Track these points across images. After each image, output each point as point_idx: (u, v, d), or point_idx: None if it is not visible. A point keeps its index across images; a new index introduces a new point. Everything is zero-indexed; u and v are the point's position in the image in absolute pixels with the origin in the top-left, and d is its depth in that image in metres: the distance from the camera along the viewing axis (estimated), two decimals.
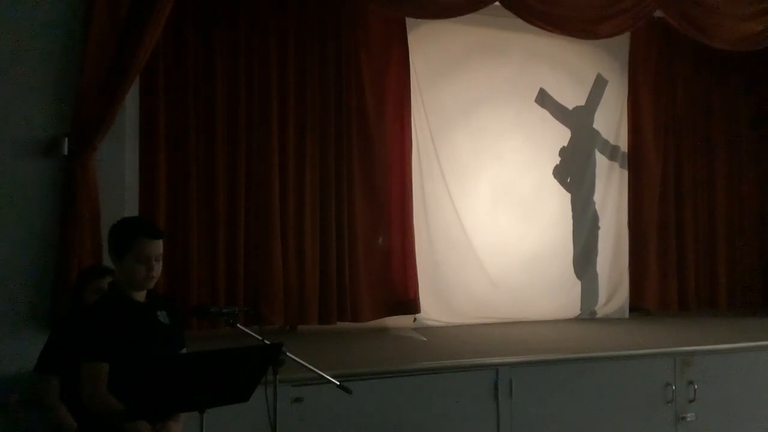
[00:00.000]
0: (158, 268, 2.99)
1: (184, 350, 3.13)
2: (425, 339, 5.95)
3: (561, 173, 7.30)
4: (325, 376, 3.54)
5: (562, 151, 7.30)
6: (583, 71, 7.39)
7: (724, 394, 5.27)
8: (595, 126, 7.44)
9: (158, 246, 3.00)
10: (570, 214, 7.32)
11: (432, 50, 6.79)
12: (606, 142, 7.46)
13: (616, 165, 7.47)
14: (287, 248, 6.11)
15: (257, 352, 3.10)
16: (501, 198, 7.02)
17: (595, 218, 7.38)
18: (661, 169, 7.59)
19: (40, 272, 4.28)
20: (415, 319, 6.57)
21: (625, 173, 7.49)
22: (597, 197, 7.40)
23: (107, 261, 4.50)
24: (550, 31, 6.13)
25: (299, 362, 3.42)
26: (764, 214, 8.05)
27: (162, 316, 3.05)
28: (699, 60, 7.71)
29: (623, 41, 7.35)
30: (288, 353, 3.31)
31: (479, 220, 6.91)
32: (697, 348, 5.37)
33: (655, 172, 7.54)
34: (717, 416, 5.24)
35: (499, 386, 4.72)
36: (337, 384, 3.54)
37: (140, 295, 3.01)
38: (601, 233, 7.38)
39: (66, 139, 4.36)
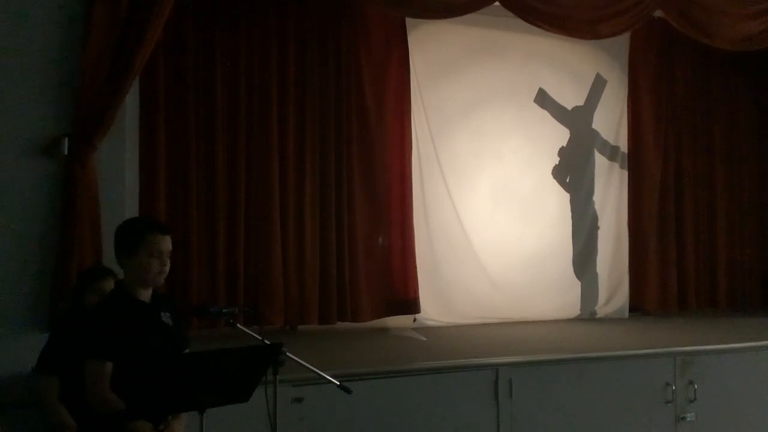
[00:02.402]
0: (169, 264, 3.02)
1: (187, 351, 3.14)
2: (425, 339, 5.95)
3: (560, 173, 7.30)
4: (325, 376, 3.53)
5: (562, 151, 7.31)
6: (583, 71, 7.39)
7: (724, 394, 5.27)
8: (594, 126, 7.44)
9: (169, 242, 3.06)
10: (569, 214, 7.32)
11: (432, 50, 6.79)
12: (606, 142, 7.46)
13: (616, 165, 7.47)
14: (287, 248, 6.10)
15: (257, 352, 3.10)
16: (501, 198, 7.02)
17: (595, 218, 7.38)
18: (661, 169, 7.59)
19: (40, 272, 4.28)
20: (415, 319, 6.57)
21: (625, 173, 7.50)
22: (597, 197, 7.40)
23: (108, 261, 4.51)
24: (550, 31, 6.14)
25: (299, 362, 3.42)
26: (764, 214, 8.05)
27: (165, 317, 3.06)
28: (699, 60, 7.71)
29: (623, 41, 7.35)
30: (288, 353, 3.31)
31: (479, 220, 6.91)
32: (697, 348, 5.37)
33: (655, 172, 7.54)
34: (717, 416, 5.24)
35: (499, 386, 4.72)
36: (337, 384, 3.53)
37: (145, 296, 3.02)
38: (600, 233, 7.38)
39: (66, 139, 4.36)
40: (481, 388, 4.71)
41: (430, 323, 6.55)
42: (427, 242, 6.67)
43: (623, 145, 7.49)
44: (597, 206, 7.40)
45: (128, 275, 3.03)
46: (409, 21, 6.61)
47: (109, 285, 3.44)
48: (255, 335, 3.33)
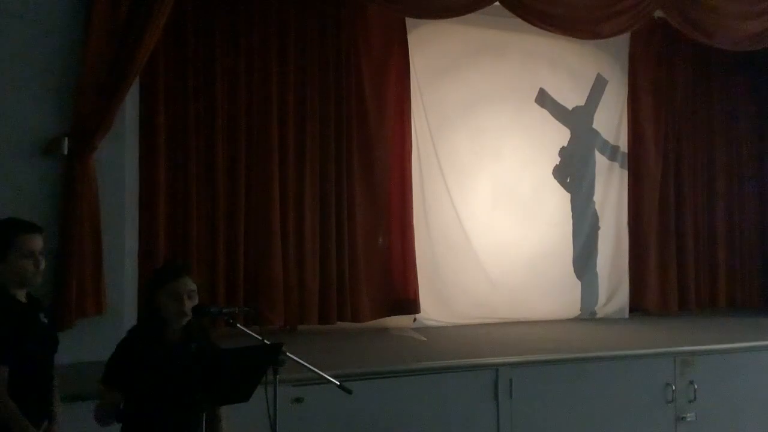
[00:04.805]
0: (43, 263, 2.97)
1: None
2: (425, 339, 5.95)
3: (561, 173, 7.30)
4: (325, 376, 3.52)
5: (562, 151, 7.30)
6: (583, 71, 7.39)
7: (724, 394, 5.27)
8: (595, 126, 7.44)
9: (41, 240, 2.97)
10: (570, 214, 7.32)
11: (432, 50, 6.79)
12: (606, 142, 7.46)
13: (616, 165, 7.47)
14: (287, 248, 6.10)
15: (257, 352, 3.09)
16: (501, 198, 7.02)
17: (595, 218, 7.38)
18: (661, 169, 7.59)
19: None
20: (415, 319, 6.57)
21: (625, 173, 7.50)
22: (597, 197, 7.40)
23: (110, 260, 4.51)
24: (550, 31, 6.15)
25: (299, 362, 3.42)
26: (764, 214, 8.05)
27: (41, 316, 3.03)
28: (699, 60, 7.72)
29: (623, 41, 7.35)
30: (288, 353, 3.30)
31: (479, 220, 6.90)
32: (697, 348, 5.38)
33: (655, 171, 7.54)
34: (717, 416, 5.25)
35: (499, 386, 4.72)
36: (337, 384, 3.53)
37: (22, 296, 2.95)
38: (601, 233, 7.38)
39: (66, 139, 4.37)
40: (481, 388, 4.71)
41: (430, 323, 6.54)
42: (427, 242, 6.66)
43: (623, 145, 7.50)
44: (597, 206, 7.40)
45: (5, 276, 2.91)
46: (409, 21, 6.60)
47: (188, 285, 3.07)
48: (255, 335, 3.32)
